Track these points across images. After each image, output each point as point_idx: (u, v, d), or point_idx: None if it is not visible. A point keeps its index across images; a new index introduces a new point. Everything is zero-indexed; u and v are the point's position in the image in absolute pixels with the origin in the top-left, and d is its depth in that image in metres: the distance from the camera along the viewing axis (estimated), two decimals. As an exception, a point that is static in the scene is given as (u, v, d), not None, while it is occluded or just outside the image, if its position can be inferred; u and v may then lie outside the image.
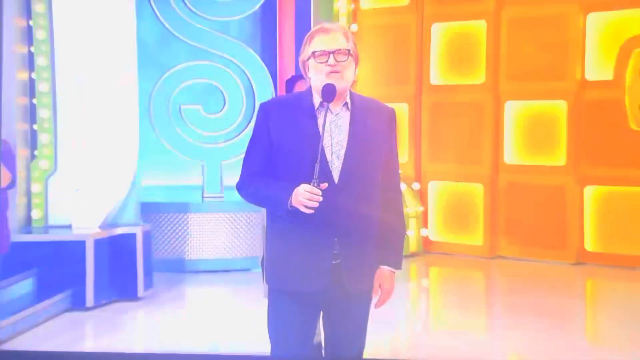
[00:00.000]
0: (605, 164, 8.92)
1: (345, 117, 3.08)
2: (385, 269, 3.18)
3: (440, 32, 9.63)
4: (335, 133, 3.07)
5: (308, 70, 3.10)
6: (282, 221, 3.14)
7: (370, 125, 3.14)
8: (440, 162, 9.76)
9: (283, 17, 9.21)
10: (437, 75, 9.64)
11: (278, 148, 3.12)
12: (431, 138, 9.75)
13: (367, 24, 9.70)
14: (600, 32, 8.98)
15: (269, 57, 9.14)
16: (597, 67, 8.98)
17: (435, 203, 9.74)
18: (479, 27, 9.38)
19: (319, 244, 3.08)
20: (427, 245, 9.58)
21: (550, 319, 6.94)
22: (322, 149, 2.98)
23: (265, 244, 3.43)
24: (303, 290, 3.15)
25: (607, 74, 8.78)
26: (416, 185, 9.48)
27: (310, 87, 3.16)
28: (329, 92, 2.98)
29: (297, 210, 2.93)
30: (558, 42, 9.08)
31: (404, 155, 9.73)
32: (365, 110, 3.15)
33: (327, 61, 2.98)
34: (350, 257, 3.10)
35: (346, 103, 3.07)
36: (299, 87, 5.32)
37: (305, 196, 2.86)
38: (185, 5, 8.81)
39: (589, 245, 9.04)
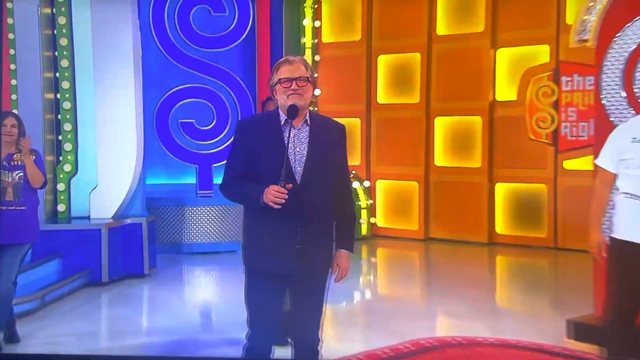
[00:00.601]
0: (511, 166, 9.03)
1: (305, 131, 3.10)
2: (342, 252, 3.24)
3: (384, 62, 9.64)
4: (297, 144, 3.09)
5: (276, 93, 3.12)
6: (256, 215, 3.15)
7: (326, 138, 3.16)
8: (385, 165, 9.75)
9: (261, 49, 9.20)
10: (383, 95, 9.66)
11: (252, 157, 3.12)
12: (378, 146, 9.75)
13: (327, 54, 9.69)
14: (506, 63, 9.03)
15: (250, 81, 9.07)
16: (505, 90, 9.02)
17: (382, 197, 9.72)
18: (415, 58, 9.39)
19: (285, 233, 3.09)
20: (375, 230, 9.56)
21: (470, 286, 7.03)
22: (287, 157, 3.01)
23: (243, 233, 3.38)
24: (273, 270, 3.17)
25: (512, 96, 8.81)
26: (367, 183, 9.49)
27: (277, 106, 3.18)
28: (292, 111, 3.03)
29: (268, 206, 2.96)
30: (475, 70, 9.13)
31: (357, 159, 9.77)
32: (321, 126, 3.18)
33: (290, 86, 3.02)
34: (310, 243, 3.11)
35: (306, 120, 3.09)
36: (269, 107, 5.28)
37: (273, 194, 2.90)
38: (182, 39, 8.79)
39: (499, 228, 9.11)
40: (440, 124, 9.37)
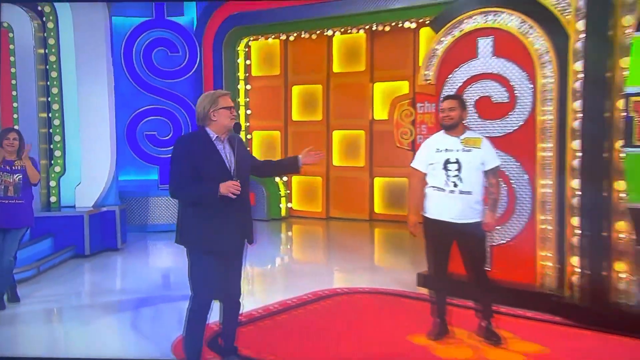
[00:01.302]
0: (384, 165, 9.12)
1: (227, 144, 3.15)
2: (298, 157, 3.40)
3: (297, 91, 9.66)
4: (227, 153, 3.14)
5: (215, 116, 3.10)
6: (205, 207, 3.08)
7: (239, 147, 3.18)
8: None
9: (206, 80, 9.23)
10: (296, 115, 9.68)
11: (195, 164, 3.06)
12: (293, 151, 9.34)
13: (255, 85, 9.64)
14: (380, 93, 9.09)
15: None
16: (379, 112, 9.01)
17: (296, 188, 9.70)
18: (318, 89, 9.46)
19: (235, 217, 3.13)
20: (291, 212, 9.56)
21: (356, 251, 7.20)
22: (232, 162, 3.10)
23: (184, 224, 3.21)
24: (225, 249, 3.14)
25: (384, 116, 8.79)
26: (285, 178, 9.53)
27: (203, 127, 3.16)
28: (238, 127, 3.15)
29: (222, 198, 2.98)
30: (359, 98, 9.22)
31: None
32: (233, 140, 3.18)
33: (231, 112, 3.11)
34: (247, 223, 3.23)
35: (227, 137, 3.16)
36: None
37: (233, 187, 2.97)
38: (147, 72, 8.83)
39: (376, 209, 9.22)
40: (337, 136, 9.49)
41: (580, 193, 4.39)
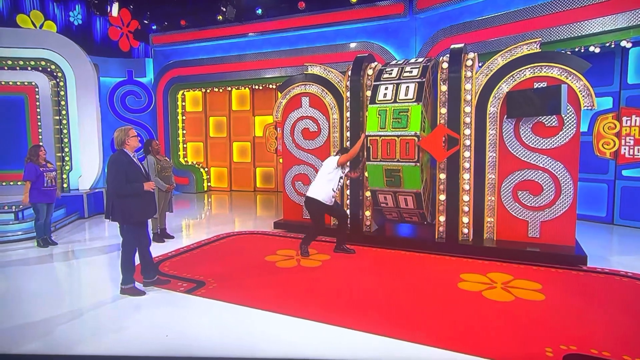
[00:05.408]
0: (261, 161, 9.32)
1: (137, 159, 3.06)
2: None
3: (212, 120, 9.55)
4: (139, 163, 3.05)
5: (128, 142, 2.97)
6: (138, 197, 2.96)
7: (139, 160, 3.07)
8: (214, 161, 9.60)
9: (159, 114, 9.39)
10: (212, 133, 9.39)
11: (127, 173, 2.95)
12: (211, 154, 9.58)
13: (188, 117, 9.61)
14: (259, 122, 9.25)
15: (154, 127, 9.33)
16: (258, 132, 9.24)
17: (213, 173, 9.69)
18: (224, 119, 9.29)
19: (148, 202, 3.06)
20: (210, 188, 9.60)
21: (245, 209, 7.00)
22: (143, 169, 2.96)
23: (120, 208, 2.96)
24: (145, 220, 3.09)
25: (260, 134, 9.14)
26: (206, 169, 9.58)
27: (122, 149, 2.99)
28: (146, 148, 3.30)
29: (146, 191, 2.95)
30: (247, 124, 9.36)
31: (202, 158, 9.54)
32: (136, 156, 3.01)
33: (136, 138, 3.04)
34: (153, 204, 3.10)
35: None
36: (153, 145, 4.69)
37: (151, 185, 3.01)
38: (122, 109, 9.08)
39: (258, 184, 9.39)
40: (235, 145, 9.55)
41: (345, 175, 4.52)
